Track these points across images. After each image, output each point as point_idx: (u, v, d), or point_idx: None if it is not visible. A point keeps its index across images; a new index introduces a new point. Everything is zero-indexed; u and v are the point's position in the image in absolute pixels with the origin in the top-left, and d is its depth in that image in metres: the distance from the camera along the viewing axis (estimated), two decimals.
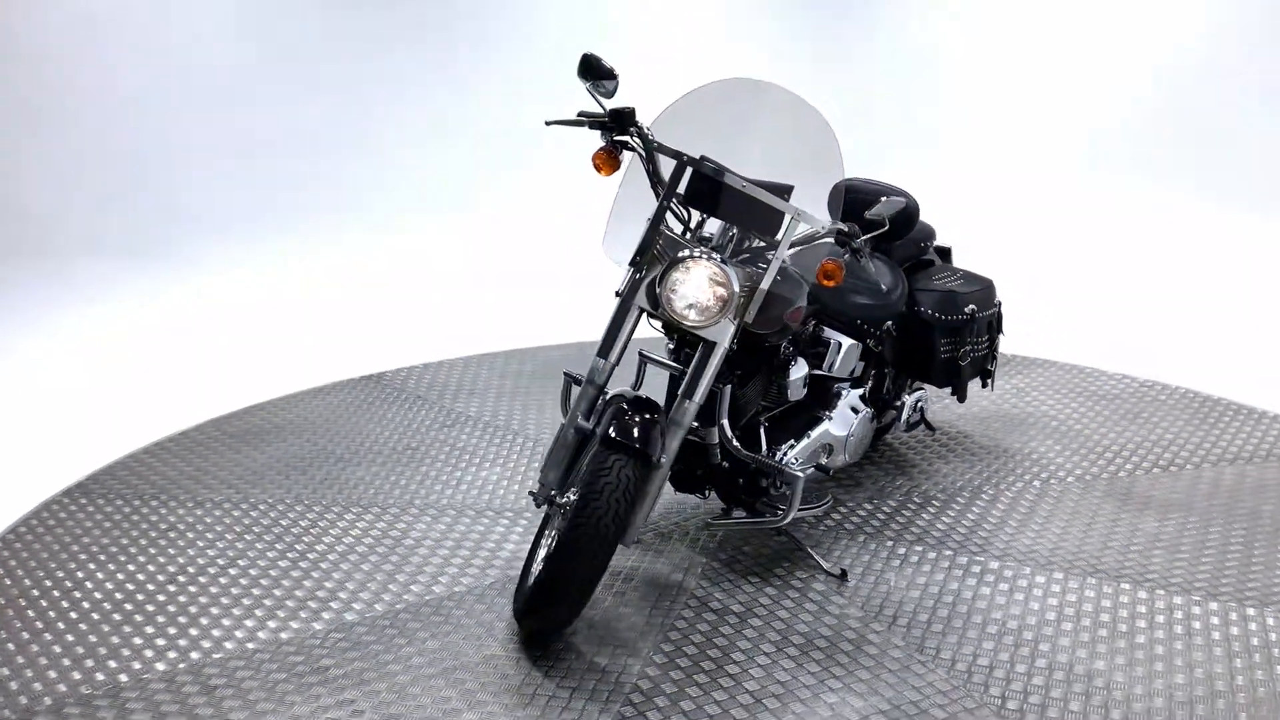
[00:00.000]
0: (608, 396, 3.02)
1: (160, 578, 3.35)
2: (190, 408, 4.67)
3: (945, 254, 4.24)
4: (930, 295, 3.86)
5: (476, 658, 2.94)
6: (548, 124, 3.26)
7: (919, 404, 4.02)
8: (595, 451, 2.84)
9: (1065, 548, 3.53)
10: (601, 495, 2.75)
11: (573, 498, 2.92)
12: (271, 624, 3.11)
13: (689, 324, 2.93)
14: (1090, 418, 4.60)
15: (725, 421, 3.17)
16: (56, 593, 3.26)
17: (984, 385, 4.17)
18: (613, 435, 2.81)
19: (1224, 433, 4.43)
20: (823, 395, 3.58)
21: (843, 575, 3.36)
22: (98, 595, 3.25)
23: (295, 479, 4.03)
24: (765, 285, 2.96)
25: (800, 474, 3.15)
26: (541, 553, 3.10)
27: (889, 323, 3.73)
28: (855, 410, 3.63)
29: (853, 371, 3.67)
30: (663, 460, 2.93)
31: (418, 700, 2.77)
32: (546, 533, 3.12)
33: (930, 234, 4.06)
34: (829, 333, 3.60)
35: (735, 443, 3.17)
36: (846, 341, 3.59)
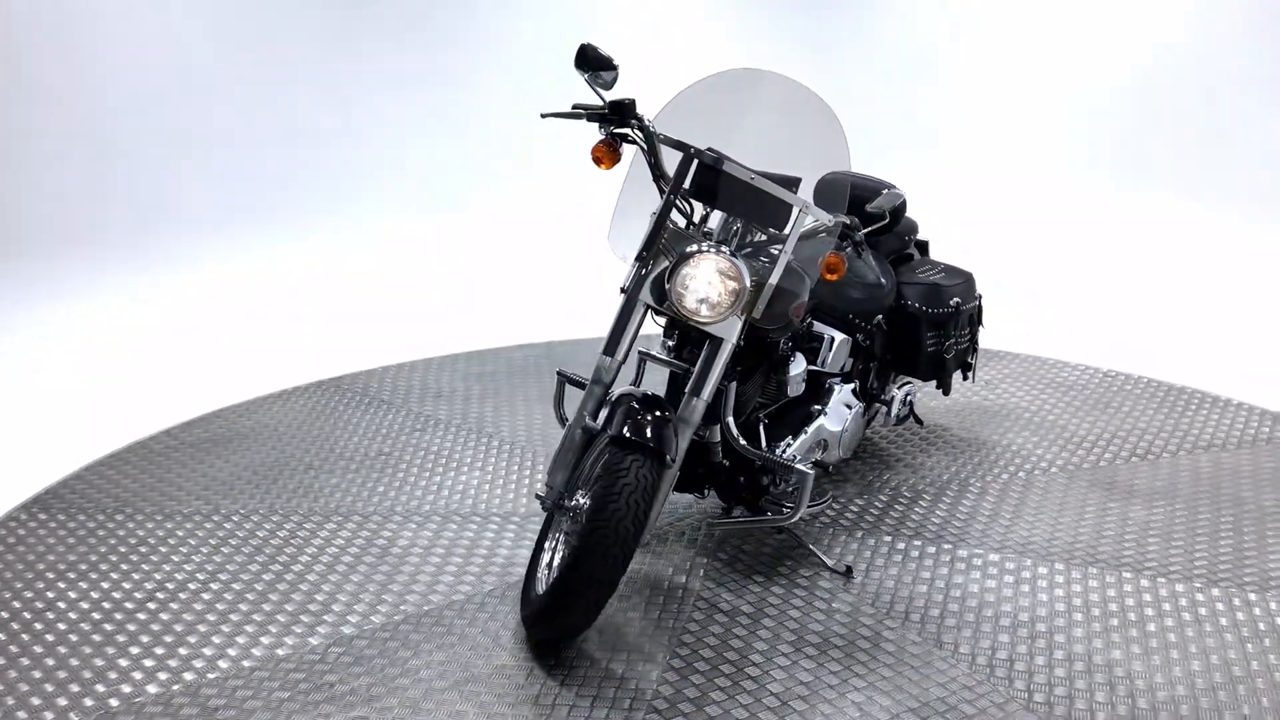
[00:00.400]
0: (613, 396, 2.94)
1: (138, 595, 3.17)
2: (145, 416, 4.47)
3: (923, 248, 4.23)
4: (916, 289, 3.84)
5: (487, 669, 2.83)
6: (543, 116, 3.15)
7: (908, 398, 4.00)
8: (608, 451, 2.75)
9: (1060, 538, 3.53)
10: (620, 496, 2.65)
11: (583, 500, 2.83)
12: (265, 640, 2.97)
13: (700, 320, 2.85)
14: (1062, 408, 4.63)
15: (730, 419, 3.10)
16: (28, 614, 3.07)
17: (965, 378, 4.17)
18: (627, 435, 2.72)
19: (1193, 421, 4.49)
20: (815, 391, 3.53)
21: (848, 572, 3.32)
22: (73, 615, 3.07)
23: (267, 488, 3.87)
24: (774, 279, 2.89)
25: (810, 470, 3.10)
26: (546, 557, 3.00)
27: (879, 316, 3.71)
28: (848, 405, 3.59)
29: (843, 366, 3.63)
30: (675, 459, 2.85)
31: (432, 715, 2.65)
32: (551, 536, 3.02)
33: (914, 228, 4.05)
34: (819, 327, 3.56)
35: (742, 440, 3.10)
36: (839, 336, 3.55)
